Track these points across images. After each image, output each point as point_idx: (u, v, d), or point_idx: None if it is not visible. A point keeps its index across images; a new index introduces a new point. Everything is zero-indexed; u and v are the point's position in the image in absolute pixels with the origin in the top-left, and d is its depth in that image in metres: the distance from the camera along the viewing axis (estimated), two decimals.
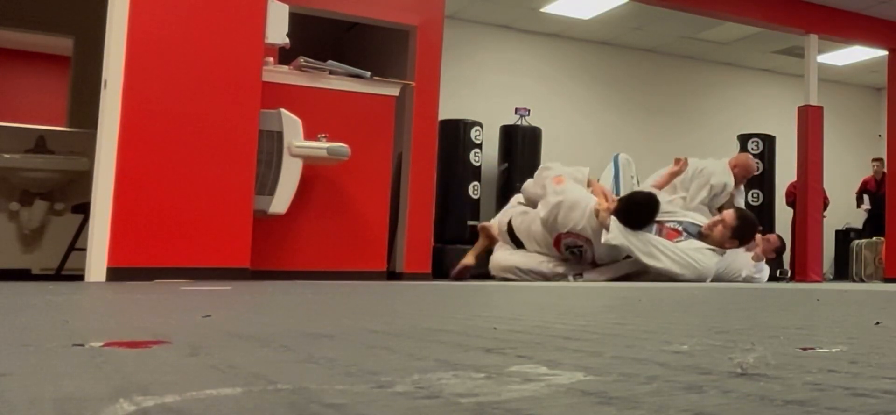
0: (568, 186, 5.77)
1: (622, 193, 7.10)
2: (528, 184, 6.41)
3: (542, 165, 6.47)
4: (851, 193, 11.50)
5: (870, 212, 11.15)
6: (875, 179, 11.17)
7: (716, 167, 6.86)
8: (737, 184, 6.93)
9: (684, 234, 5.99)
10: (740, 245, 6.19)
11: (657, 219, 6.05)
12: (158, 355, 0.84)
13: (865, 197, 11.22)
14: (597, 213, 5.51)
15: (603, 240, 5.55)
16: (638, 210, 5.51)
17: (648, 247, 5.61)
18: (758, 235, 6.72)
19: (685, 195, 6.52)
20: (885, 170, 11.20)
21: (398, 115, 5.99)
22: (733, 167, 6.92)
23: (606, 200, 5.75)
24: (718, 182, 6.59)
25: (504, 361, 0.81)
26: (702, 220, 6.16)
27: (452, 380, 0.67)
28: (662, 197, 6.28)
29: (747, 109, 11.55)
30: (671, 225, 6.04)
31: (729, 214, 6.02)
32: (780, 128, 10.39)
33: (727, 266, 6.37)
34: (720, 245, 5.96)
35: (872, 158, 11.26)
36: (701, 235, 5.99)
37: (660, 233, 5.97)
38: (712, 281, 5.96)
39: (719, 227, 5.94)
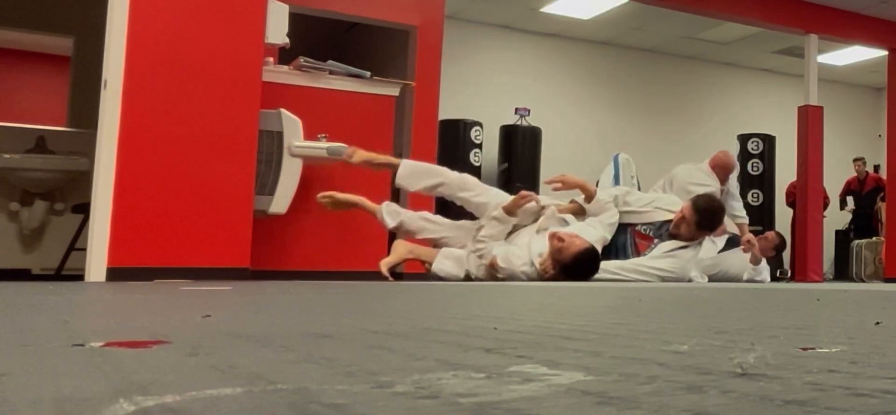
0: (503, 267, 5.44)
1: None
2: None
3: (472, 253, 5.59)
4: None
5: (854, 212, 11.16)
6: (858, 179, 11.17)
7: (692, 174, 6.71)
8: (722, 182, 6.80)
9: (655, 241, 5.87)
10: (713, 231, 6.03)
11: (630, 222, 5.94)
12: (158, 355, 0.84)
13: (849, 199, 11.24)
14: (545, 271, 5.31)
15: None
16: (580, 268, 5.27)
17: (609, 275, 5.47)
18: (749, 234, 6.62)
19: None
20: (874, 169, 11.21)
21: (398, 115, 5.99)
22: (713, 168, 6.81)
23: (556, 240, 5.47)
24: (701, 192, 6.42)
25: (504, 361, 0.81)
26: (677, 203, 5.98)
27: (452, 380, 0.67)
28: (629, 199, 6.14)
29: (747, 108, 11.56)
30: (642, 230, 5.92)
31: (687, 207, 5.75)
32: (780, 128, 10.40)
33: (725, 271, 6.28)
34: (692, 239, 5.84)
35: (853, 158, 11.26)
36: (671, 235, 5.86)
37: (633, 238, 5.88)
38: (711, 281, 5.90)
39: (683, 225, 5.80)
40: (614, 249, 5.78)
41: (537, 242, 5.39)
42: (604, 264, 5.45)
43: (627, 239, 5.88)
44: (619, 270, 5.56)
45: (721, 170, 6.81)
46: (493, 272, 5.39)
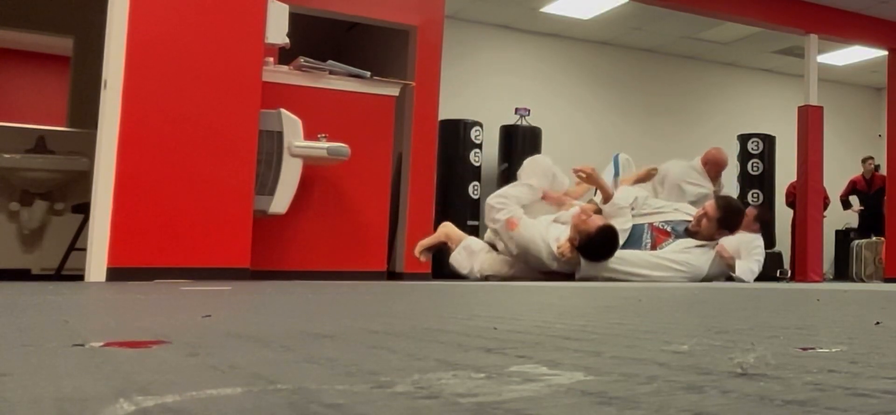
0: (521, 231, 5.49)
1: None
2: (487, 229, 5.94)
3: (490, 202, 5.77)
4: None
5: (861, 212, 11.12)
6: (864, 179, 11.13)
7: (685, 173, 6.68)
8: (714, 181, 6.76)
9: (673, 235, 5.89)
10: (731, 233, 6.05)
11: (648, 219, 5.97)
12: (158, 355, 0.84)
13: (852, 199, 11.20)
14: (562, 254, 5.35)
15: (578, 276, 5.41)
16: (598, 248, 5.30)
17: (625, 266, 5.48)
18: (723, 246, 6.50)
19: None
20: (875, 169, 11.17)
21: (398, 115, 5.99)
22: (704, 165, 6.77)
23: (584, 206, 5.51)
24: (694, 191, 6.39)
25: (504, 361, 0.81)
26: (692, 211, 6.03)
27: (452, 380, 0.67)
28: (650, 201, 6.18)
29: (747, 109, 11.55)
30: (660, 225, 5.94)
31: (710, 205, 5.83)
32: (780, 128, 10.39)
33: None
34: (710, 238, 5.86)
35: (862, 157, 11.23)
36: (689, 233, 5.88)
37: (650, 234, 5.89)
38: (702, 280, 5.89)
39: (704, 220, 5.81)
40: (630, 239, 5.80)
41: (554, 229, 5.44)
42: (621, 253, 5.48)
43: (645, 231, 5.90)
44: (635, 257, 5.57)
45: (713, 166, 6.75)
46: (505, 235, 5.43)
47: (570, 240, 5.29)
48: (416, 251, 5.64)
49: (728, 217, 5.82)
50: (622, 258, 5.45)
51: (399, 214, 6.32)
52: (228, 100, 4.68)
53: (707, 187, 6.61)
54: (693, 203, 6.28)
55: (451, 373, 0.71)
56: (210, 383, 0.64)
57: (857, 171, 11.38)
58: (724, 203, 5.87)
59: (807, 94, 8.94)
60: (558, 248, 5.31)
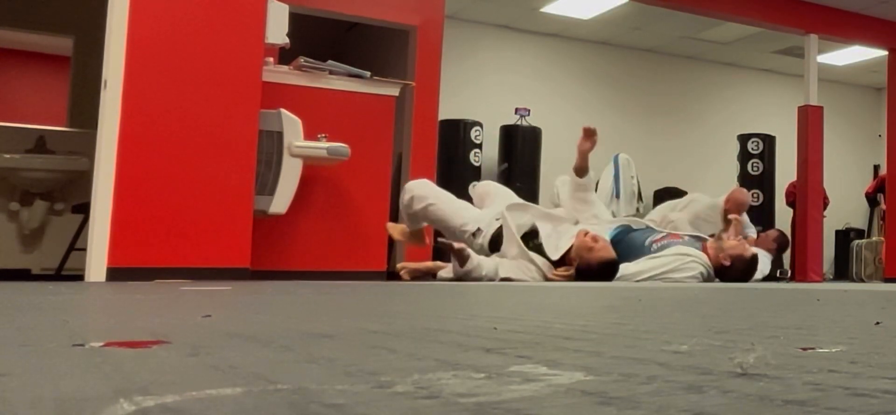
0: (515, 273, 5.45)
1: (622, 194, 7.05)
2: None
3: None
4: (853, 193, 11.44)
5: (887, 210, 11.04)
6: None
7: (707, 211, 6.63)
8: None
9: (684, 237, 5.88)
10: (715, 277, 5.96)
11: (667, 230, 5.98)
12: (158, 355, 0.84)
13: (880, 196, 11.13)
14: (557, 277, 5.30)
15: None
16: (595, 276, 5.28)
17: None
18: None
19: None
20: (871, 170, 11.10)
21: (398, 115, 5.99)
22: (726, 203, 6.64)
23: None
24: (705, 230, 6.34)
25: (504, 361, 0.81)
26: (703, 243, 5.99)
27: (452, 380, 0.67)
28: (674, 216, 6.18)
29: (747, 108, 11.56)
30: (677, 232, 5.95)
31: (752, 251, 5.69)
32: (780, 128, 10.40)
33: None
34: (713, 254, 5.77)
35: None
36: (705, 246, 5.80)
37: (663, 236, 5.88)
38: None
39: (734, 241, 5.73)
40: (634, 233, 5.79)
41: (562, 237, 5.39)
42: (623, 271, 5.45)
43: (650, 231, 5.87)
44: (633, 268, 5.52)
45: (733, 205, 6.61)
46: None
47: (571, 261, 5.26)
48: (401, 268, 5.60)
49: (733, 271, 5.73)
50: (624, 276, 5.42)
51: (399, 215, 6.32)
52: (228, 100, 4.68)
53: (717, 230, 6.54)
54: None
55: (451, 373, 0.71)
56: (210, 383, 0.64)
57: (859, 170, 11.36)
58: (749, 267, 5.74)
59: (807, 94, 8.94)
60: (554, 274, 5.28)
